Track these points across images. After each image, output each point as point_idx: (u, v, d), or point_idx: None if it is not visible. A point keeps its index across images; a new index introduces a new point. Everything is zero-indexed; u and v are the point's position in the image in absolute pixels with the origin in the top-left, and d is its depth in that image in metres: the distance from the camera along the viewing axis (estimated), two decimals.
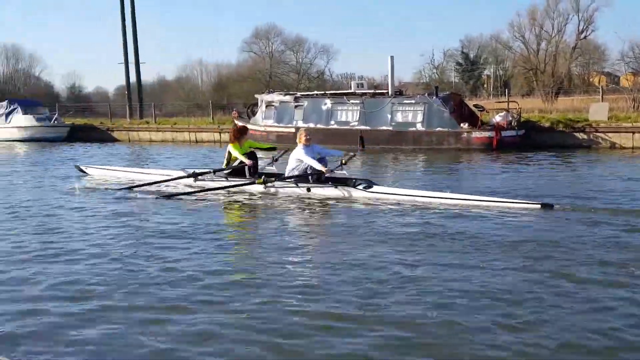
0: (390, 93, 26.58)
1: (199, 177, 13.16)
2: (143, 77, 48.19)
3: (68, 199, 12.52)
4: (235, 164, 13.00)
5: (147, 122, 39.18)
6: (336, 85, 59.02)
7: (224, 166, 13.27)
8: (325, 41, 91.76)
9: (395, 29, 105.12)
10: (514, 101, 28.20)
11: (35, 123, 37.99)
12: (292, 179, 12.13)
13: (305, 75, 71.79)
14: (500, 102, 29.74)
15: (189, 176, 13.31)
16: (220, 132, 33.54)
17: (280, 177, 12.39)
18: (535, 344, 4.92)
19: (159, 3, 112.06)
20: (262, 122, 28.72)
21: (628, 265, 6.86)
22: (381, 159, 21.87)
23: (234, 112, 32.67)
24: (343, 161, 12.09)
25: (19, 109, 39.07)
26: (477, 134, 24.30)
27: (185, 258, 7.55)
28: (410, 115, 25.48)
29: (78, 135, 37.76)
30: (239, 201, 11.91)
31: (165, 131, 36.59)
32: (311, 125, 27.22)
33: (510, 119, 24.99)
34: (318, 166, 11.88)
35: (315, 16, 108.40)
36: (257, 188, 12.28)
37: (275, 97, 28.84)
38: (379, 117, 25.94)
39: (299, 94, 30.09)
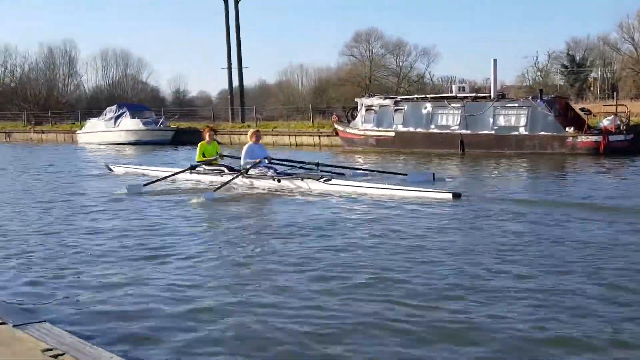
0: (492, 96, 26.12)
1: (194, 171, 15.48)
2: (245, 82, 49.32)
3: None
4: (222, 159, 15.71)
5: (249, 126, 39.80)
6: (436, 89, 58.46)
7: (198, 160, 15.50)
8: (426, 44, 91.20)
9: (498, 31, 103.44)
10: (623, 104, 27.18)
11: (142, 127, 39.26)
12: (257, 171, 14.47)
13: (405, 79, 71.50)
14: (607, 105, 28.75)
15: (187, 169, 15.58)
16: (319, 136, 33.79)
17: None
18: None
19: (262, 8, 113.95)
20: (361, 126, 28.77)
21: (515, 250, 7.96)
22: (482, 163, 21.51)
23: (334, 116, 32.87)
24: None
25: (127, 113, 40.52)
26: (583, 139, 23.58)
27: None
28: (513, 119, 24.99)
29: (182, 138, 38.77)
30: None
31: (265, 134, 37.08)
32: (411, 129, 27.13)
33: (619, 122, 24.13)
34: (251, 159, 14.36)
35: (416, 19, 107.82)
36: (238, 179, 14.35)
37: (375, 101, 28.83)
38: (481, 121, 25.56)
39: (399, 97, 29.99)
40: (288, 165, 15.47)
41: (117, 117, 40.70)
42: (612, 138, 23.29)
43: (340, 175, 14.93)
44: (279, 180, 14.06)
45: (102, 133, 41.06)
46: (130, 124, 39.82)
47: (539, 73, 72.09)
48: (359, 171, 16.43)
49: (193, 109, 63.19)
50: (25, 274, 7.21)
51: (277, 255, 7.91)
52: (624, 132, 23.88)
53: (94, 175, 18.59)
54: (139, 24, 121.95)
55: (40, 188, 15.81)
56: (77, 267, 7.49)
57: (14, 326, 4.49)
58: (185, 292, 6.43)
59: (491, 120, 25.32)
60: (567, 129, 24.00)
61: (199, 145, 15.71)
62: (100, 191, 14.56)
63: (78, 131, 44.37)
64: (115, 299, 6.28)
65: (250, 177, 14.44)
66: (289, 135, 35.73)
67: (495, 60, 26.78)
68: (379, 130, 28.10)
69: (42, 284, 6.82)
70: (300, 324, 5.45)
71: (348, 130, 29.66)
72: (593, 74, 71.29)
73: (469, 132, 25.66)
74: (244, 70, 46.81)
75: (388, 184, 13.55)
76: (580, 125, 24.37)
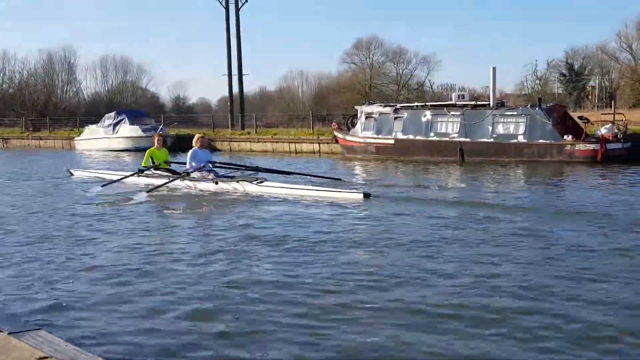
0: (491, 104, 26.20)
1: (142, 174, 16.60)
2: (245, 88, 49.39)
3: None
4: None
5: (248, 133, 39.92)
6: (436, 97, 58.56)
7: (143, 165, 16.78)
8: (427, 52, 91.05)
9: (498, 39, 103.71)
10: (620, 113, 27.31)
11: (141, 133, 39.09)
12: (199, 174, 15.54)
13: (405, 87, 71.58)
14: (605, 114, 28.85)
15: (135, 173, 16.86)
16: (319, 143, 33.80)
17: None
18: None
19: (263, 15, 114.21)
20: (361, 134, 28.83)
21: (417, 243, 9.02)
22: (480, 171, 21.56)
23: (334, 123, 32.91)
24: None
25: (126, 119, 40.42)
26: (581, 147, 23.63)
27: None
28: (512, 127, 25.04)
29: (182, 145, 38.52)
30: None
31: (265, 142, 37.17)
32: (410, 137, 27.19)
33: (616, 131, 24.23)
34: (194, 166, 15.54)
35: (417, 27, 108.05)
36: (178, 181, 15.60)
37: (375, 109, 28.89)
38: (480, 129, 25.61)
39: (398, 105, 30.04)
40: (230, 169, 16.50)
41: (115, 124, 40.59)
42: (609, 146, 23.36)
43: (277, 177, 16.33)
44: (216, 183, 15.27)
45: (100, 140, 40.98)
46: (129, 130, 39.71)
47: (538, 81, 72.34)
48: (295, 175, 17.36)
49: (193, 115, 63.16)
50: (21, 282, 7.23)
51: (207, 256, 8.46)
52: (622, 140, 23.98)
53: (74, 183, 18.72)
54: (139, 31, 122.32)
55: (25, 196, 15.74)
56: (72, 275, 7.50)
57: (10, 334, 4.48)
58: (179, 300, 6.47)
59: (490, 128, 25.38)
60: (565, 137, 24.06)
61: (147, 150, 17.06)
62: (82, 198, 14.76)
63: (76, 138, 44.20)
64: (111, 306, 6.30)
65: (192, 179, 15.63)
66: (289, 143, 35.73)
67: (494, 68, 26.87)
68: (379, 138, 28.15)
69: (37, 292, 6.84)
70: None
71: (348, 137, 29.71)
72: (591, 83, 71.53)
73: (468, 140, 25.71)
74: (244, 77, 46.99)
75: (312, 185, 15.28)
76: (578, 133, 24.42)
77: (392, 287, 6.79)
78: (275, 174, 16.51)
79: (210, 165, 15.80)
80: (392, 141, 27.68)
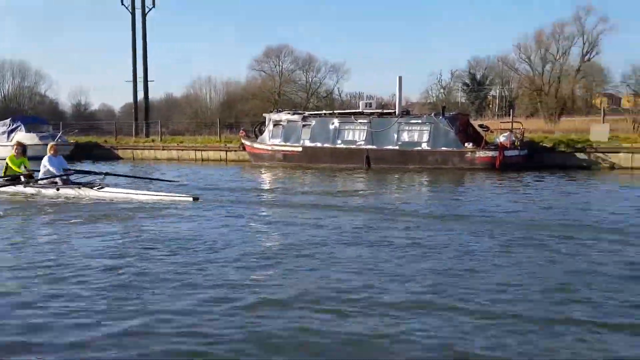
0: (397, 113, 26.74)
1: None
2: (151, 95, 48.53)
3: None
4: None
5: (153, 140, 39.26)
6: (345, 105, 59.16)
7: (2, 174, 17.10)
8: (336, 61, 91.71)
9: (404, 49, 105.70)
10: (518, 121, 28.32)
11: (37, 141, 37.65)
12: (47, 180, 16.06)
13: (314, 95, 71.93)
14: (504, 122, 29.87)
15: None
16: (226, 151, 33.67)
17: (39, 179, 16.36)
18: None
19: (170, 21, 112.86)
20: (269, 141, 28.89)
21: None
22: (385, 178, 21.95)
23: (241, 131, 32.80)
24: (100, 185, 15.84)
25: (22, 127, 39.02)
26: (481, 154, 24.45)
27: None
28: (417, 134, 25.65)
29: (82, 153, 37.33)
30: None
31: (170, 149, 36.68)
32: (318, 144, 27.45)
33: (514, 139, 25.12)
34: (56, 172, 16.12)
35: (326, 35, 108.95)
36: (20, 187, 16.18)
37: (283, 116, 29.02)
38: (386, 137, 26.11)
39: (306, 113, 30.22)
40: (81, 174, 17.08)
41: (10, 131, 39.01)
42: (507, 153, 24.21)
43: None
44: (58, 189, 15.77)
45: None
46: (24, 138, 38.27)
47: (442, 90, 74.24)
48: (141, 180, 19.37)
49: (95, 122, 61.43)
50: None
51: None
52: (519, 147, 24.89)
53: None
54: (38, 35, 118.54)
55: None
56: None
57: None
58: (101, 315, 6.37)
59: (396, 135, 25.90)
60: (466, 144, 24.81)
61: (7, 158, 17.32)
62: None
63: None
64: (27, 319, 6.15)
65: (36, 186, 16.14)
66: (195, 150, 35.43)
67: (400, 77, 27.41)
68: (287, 145, 28.28)
69: None
70: None
71: (255, 145, 29.72)
72: (492, 92, 73.93)
73: (374, 147, 26.16)
74: (149, 83, 46.23)
75: (151, 190, 16.38)
76: (478, 141, 25.22)
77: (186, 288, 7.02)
78: (122, 178, 18.59)
79: (62, 171, 16.40)
80: (300, 148, 27.88)
